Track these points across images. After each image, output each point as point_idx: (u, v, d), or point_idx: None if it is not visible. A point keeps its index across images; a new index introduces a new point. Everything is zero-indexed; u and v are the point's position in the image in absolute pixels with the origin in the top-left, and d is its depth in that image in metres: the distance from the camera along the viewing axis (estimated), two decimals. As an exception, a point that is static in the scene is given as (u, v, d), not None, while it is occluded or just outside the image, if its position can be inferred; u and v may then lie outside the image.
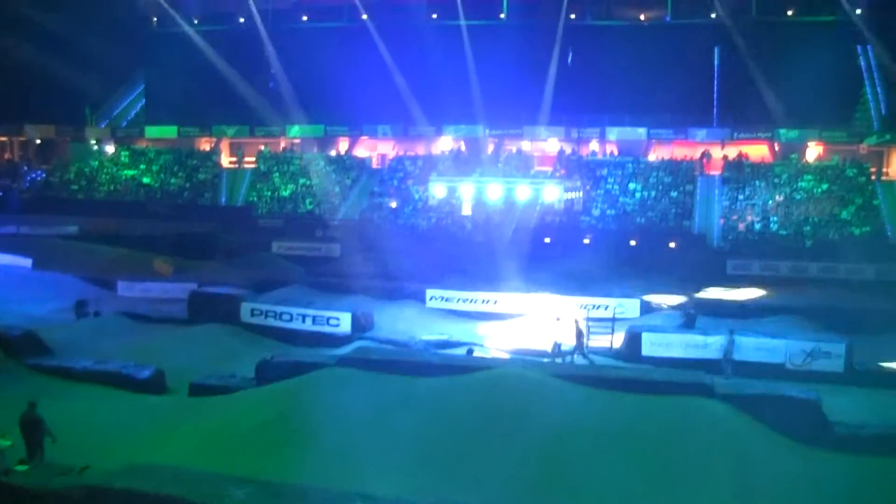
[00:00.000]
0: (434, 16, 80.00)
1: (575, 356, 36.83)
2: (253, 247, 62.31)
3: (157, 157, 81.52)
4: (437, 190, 58.02)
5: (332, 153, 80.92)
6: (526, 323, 43.59)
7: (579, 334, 37.30)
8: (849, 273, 54.97)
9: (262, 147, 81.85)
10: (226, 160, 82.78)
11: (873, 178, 69.05)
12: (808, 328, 40.86)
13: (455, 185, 58.20)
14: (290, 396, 26.96)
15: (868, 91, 73.25)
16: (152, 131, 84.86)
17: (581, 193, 59.54)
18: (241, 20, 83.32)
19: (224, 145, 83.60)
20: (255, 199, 75.47)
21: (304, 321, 41.70)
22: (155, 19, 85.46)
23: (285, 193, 75.28)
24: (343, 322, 41.25)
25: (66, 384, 29.55)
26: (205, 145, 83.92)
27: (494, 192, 56.12)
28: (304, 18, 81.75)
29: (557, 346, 37.25)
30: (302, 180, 76.28)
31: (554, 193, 55.84)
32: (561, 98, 75.65)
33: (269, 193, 75.60)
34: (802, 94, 67.28)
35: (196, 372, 31.62)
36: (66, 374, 30.96)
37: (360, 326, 41.55)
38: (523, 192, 56.05)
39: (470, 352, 36.81)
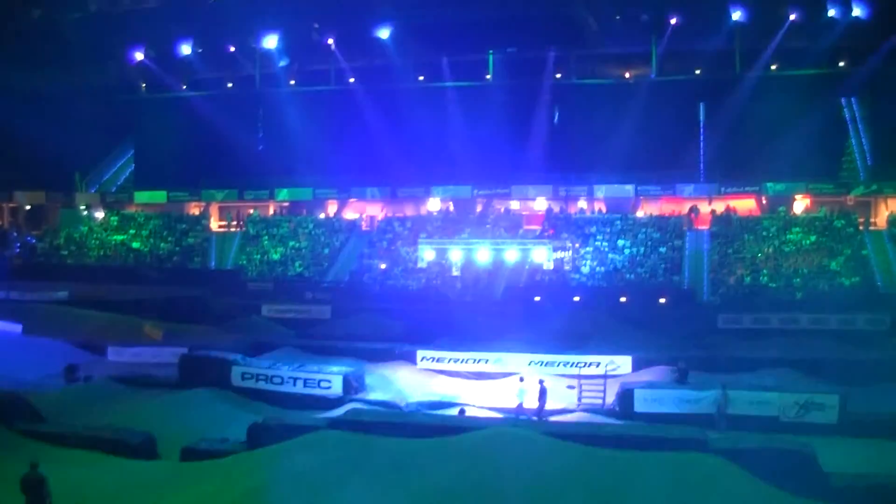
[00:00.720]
0: (420, 78, 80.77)
1: (538, 416, 37.04)
2: (243, 310, 62.00)
3: (147, 221, 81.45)
4: (427, 254, 58.15)
5: (322, 216, 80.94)
6: (517, 382, 43.41)
7: (542, 394, 37.50)
8: (840, 324, 54.81)
9: (252, 211, 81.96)
10: (215, 224, 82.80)
11: (861, 228, 69.38)
12: (801, 380, 40.82)
13: (444, 248, 58.29)
14: (283, 460, 26.73)
15: (853, 142, 73.95)
16: (142, 196, 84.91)
17: (570, 253, 59.70)
18: (230, 85, 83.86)
19: (213, 209, 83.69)
20: (245, 262, 75.40)
21: (295, 384, 41.40)
22: (144, 85, 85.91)
23: (275, 257, 75.25)
24: (334, 384, 40.99)
25: (57, 450, 29.20)
26: (194, 209, 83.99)
27: (483, 255, 56.24)
28: (292, 82, 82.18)
29: (520, 405, 37.59)
30: (291, 243, 76.28)
31: (542, 255, 55.93)
32: (548, 156, 76.06)
33: (259, 257, 75.56)
34: (788, 147, 68.04)
35: (188, 436, 31.36)
36: (57, 439, 30.63)
37: (352, 388, 41.26)
38: (511, 254, 56.20)
39: (462, 412, 36.69)
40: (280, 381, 41.59)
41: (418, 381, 44.29)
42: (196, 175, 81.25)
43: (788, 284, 63.94)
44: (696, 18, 72.55)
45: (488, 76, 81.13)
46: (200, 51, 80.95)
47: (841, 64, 73.84)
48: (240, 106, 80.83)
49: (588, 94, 76.92)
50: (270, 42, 78.79)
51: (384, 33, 76.32)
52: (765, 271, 65.49)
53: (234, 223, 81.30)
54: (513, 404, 38.53)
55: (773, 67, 75.25)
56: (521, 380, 39.62)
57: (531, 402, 37.83)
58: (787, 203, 73.68)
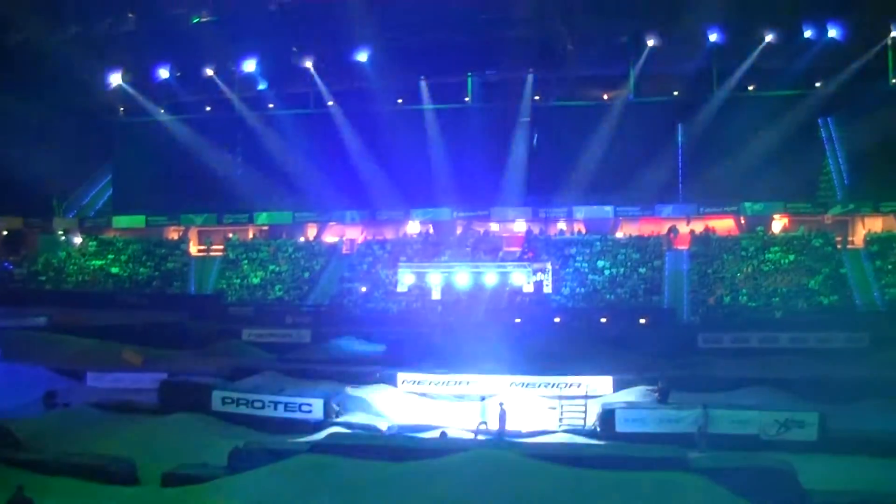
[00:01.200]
0: (399, 101, 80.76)
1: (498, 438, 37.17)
2: (223, 335, 61.81)
3: (126, 246, 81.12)
4: (406, 278, 58.12)
5: (301, 239, 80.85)
6: (499, 404, 43.37)
7: (502, 416, 37.82)
8: (819, 342, 55.01)
9: (231, 235, 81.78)
10: (194, 249, 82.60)
11: (839, 247, 69.83)
12: (781, 398, 40.92)
13: (423, 272, 58.29)
14: (264, 484, 26.69)
15: (830, 162, 74.36)
16: (120, 221, 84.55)
17: (549, 276, 59.81)
18: (208, 108, 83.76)
19: (192, 234, 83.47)
20: (225, 286, 75.20)
21: (276, 408, 41.25)
22: (122, 109, 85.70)
23: (255, 281, 75.09)
24: (315, 408, 40.86)
25: (37, 477, 29.04)
26: (173, 234, 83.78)
27: (462, 279, 56.32)
28: (271, 106, 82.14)
29: (482, 423, 38.04)
30: (271, 267, 76.14)
31: (522, 277, 56.00)
32: (528, 178, 76.34)
33: (239, 281, 75.39)
34: (766, 167, 68.44)
35: (168, 462, 31.21)
36: (37, 467, 30.41)
37: (333, 412, 41.17)
38: (491, 277, 56.27)
39: (443, 435, 36.66)
40: (261, 406, 41.43)
41: (399, 404, 44.18)
42: (175, 199, 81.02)
43: (767, 304, 64.25)
44: (674, 40, 72.85)
45: (467, 99, 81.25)
46: (179, 74, 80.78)
47: (817, 84, 74.23)
48: (219, 130, 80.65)
49: (567, 116, 77.14)
50: (249, 65, 78.76)
51: (363, 56, 76.41)
52: (744, 291, 65.76)
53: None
54: (485, 425, 38.61)
55: (751, 88, 75.68)
56: (483, 399, 39.84)
57: (492, 424, 37.92)
58: (765, 223, 74.07)
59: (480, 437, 36.96)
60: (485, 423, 38.03)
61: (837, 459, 32.56)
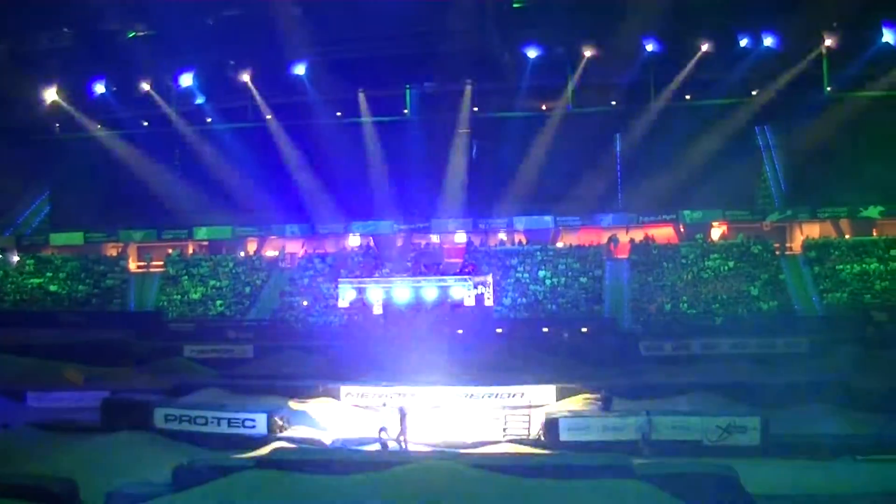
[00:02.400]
0: (338, 114, 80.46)
1: (400, 442, 37.62)
2: (165, 351, 61.26)
3: (64, 264, 79.95)
4: (347, 294, 57.99)
5: (242, 254, 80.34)
6: (443, 415, 43.30)
7: (402, 420, 38.02)
8: (759, 348, 55.74)
9: (171, 251, 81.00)
10: (134, 265, 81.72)
11: (777, 253, 70.73)
12: (723, 404, 41.20)
13: (364, 287, 58.19)
14: (209, 501, 26.40)
15: (768, 169, 75.27)
16: (58, 238, 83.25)
17: (490, 288, 59.90)
18: (146, 123, 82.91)
19: (132, 250, 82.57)
20: (165, 303, 74.49)
21: (219, 424, 40.88)
22: (58, 125, 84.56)
23: (195, 296, 74.45)
24: (259, 423, 40.56)
25: (-24, 501, 28.59)
26: (112, 251, 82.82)
27: (402, 293, 56.30)
28: (209, 120, 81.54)
29: (383, 429, 37.89)
30: (212, 282, 75.54)
31: (462, 291, 56.05)
32: (468, 190, 76.43)
33: (179, 297, 74.70)
34: (704, 175, 69.01)
35: (111, 481, 30.76)
36: (-24, 490, 29.99)
37: (277, 427, 40.91)
38: (431, 292, 56.27)
39: (384, 445, 36.62)
40: (204, 422, 41.05)
41: (343, 417, 43.98)
42: (113, 215, 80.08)
43: (708, 310, 64.81)
44: (611, 51, 73.19)
45: (406, 111, 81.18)
46: (115, 89, 79.87)
47: (754, 93, 74.95)
48: (156, 144, 79.78)
49: (506, 127, 77.17)
50: (186, 80, 78.15)
51: (300, 70, 76.10)
52: (684, 298, 66.27)
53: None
54: (386, 432, 38.53)
55: (688, 97, 76.18)
56: (384, 405, 39.97)
57: (394, 429, 38.05)
58: (704, 230, 74.73)
59: (390, 443, 37.04)
60: (385, 428, 37.89)
61: (780, 463, 32.84)
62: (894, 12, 67.27)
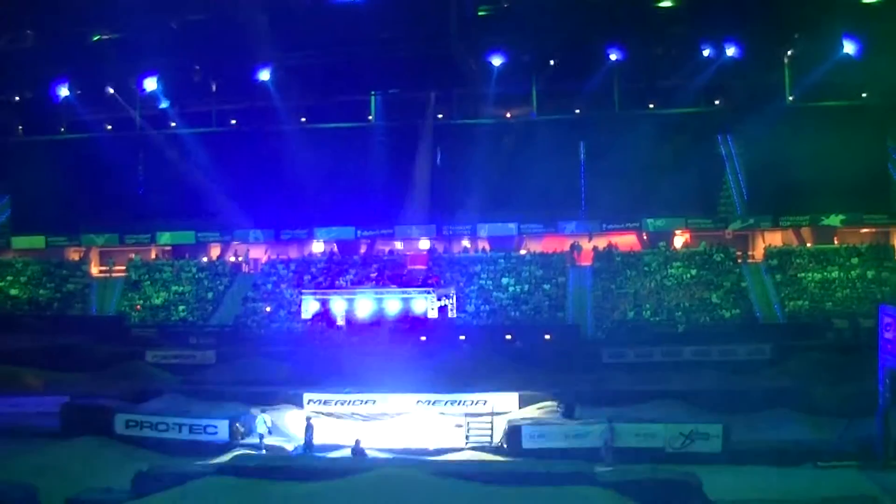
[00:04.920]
0: (303, 119, 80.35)
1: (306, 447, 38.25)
2: (126, 357, 60.62)
3: (25, 268, 79.29)
4: (310, 305, 57.92)
5: (205, 259, 79.97)
6: (406, 422, 43.25)
7: (308, 430, 38.63)
8: (721, 355, 55.80)
9: (133, 255, 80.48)
10: (96, 269, 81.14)
11: (739, 261, 71.27)
12: (685, 411, 41.36)
13: (327, 298, 58.14)
14: (169, 508, 26.28)
15: (730, 178, 75.60)
16: (19, 241, 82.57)
17: (454, 300, 60.01)
18: (109, 127, 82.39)
19: (94, 254, 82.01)
20: (127, 308, 74.01)
21: (180, 430, 40.73)
22: (20, 126, 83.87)
23: (158, 301, 74.03)
24: (220, 430, 40.43)
25: (-68, 508, 28.30)
26: (74, 255, 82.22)
27: (365, 306, 56.29)
28: (173, 124, 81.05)
29: (358, 441, 37.95)
30: (174, 287, 75.14)
31: (425, 304, 56.11)
32: (431, 196, 76.47)
33: (142, 302, 74.25)
34: (667, 184, 69.38)
35: (71, 488, 30.54)
36: (-68, 498, 29.67)
37: (238, 433, 40.77)
38: (393, 305, 56.28)
39: (360, 451, 36.57)
40: (165, 428, 40.88)
41: (305, 423, 43.82)
42: (76, 219, 79.51)
43: (670, 318, 65.15)
44: (575, 59, 73.46)
45: (370, 117, 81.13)
46: (79, 92, 79.33)
47: (716, 102, 75.51)
48: (120, 148, 79.02)
49: (470, 134, 77.11)
50: (151, 84, 77.67)
51: (265, 75, 75.85)
52: (647, 306, 66.58)
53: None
54: (407, 445, 38.61)
55: (651, 105, 76.58)
56: (269, 432, 40.57)
57: (249, 437, 39.16)
58: (667, 238, 75.23)
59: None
60: (359, 440, 37.98)
61: (741, 470, 33.07)
62: (854, 23, 67.84)
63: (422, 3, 69.81)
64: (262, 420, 41.26)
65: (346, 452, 37.48)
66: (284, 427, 42.99)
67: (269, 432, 41.29)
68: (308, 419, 39.59)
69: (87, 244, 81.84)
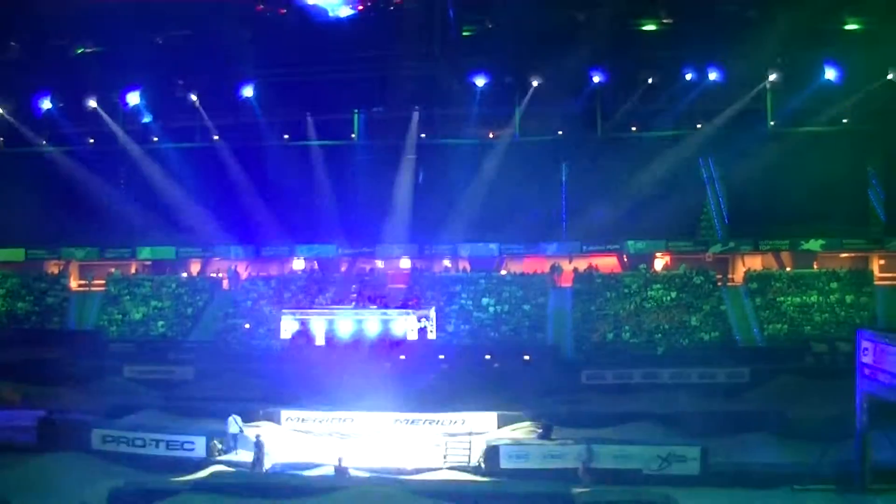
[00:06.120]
0: (286, 136, 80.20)
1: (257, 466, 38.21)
2: (104, 372, 60.48)
3: (4, 280, 78.68)
4: (289, 325, 57.85)
5: (185, 275, 79.68)
6: (383, 441, 43.22)
7: (258, 448, 38.75)
8: (700, 378, 56.19)
9: (113, 270, 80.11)
10: (75, 283, 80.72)
11: (719, 284, 71.42)
12: (664, 433, 41.46)
13: (306, 318, 58.11)
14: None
15: (711, 201, 75.88)
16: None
17: (433, 322, 60.05)
18: (92, 140, 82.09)
19: (73, 268, 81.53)
20: (106, 322, 73.61)
21: (157, 446, 40.71)
22: (1, 139, 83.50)
23: (137, 317, 73.68)
24: (198, 446, 40.39)
25: None
26: (53, 268, 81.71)
27: (345, 327, 56.30)
28: (155, 139, 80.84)
29: (340, 459, 37.95)
30: (154, 303, 74.79)
31: (405, 325, 56.11)
32: (413, 215, 76.37)
33: (120, 317, 73.89)
34: (649, 206, 69.63)
35: (47, 503, 30.46)
36: None
37: (216, 450, 40.67)
38: (373, 325, 56.28)
39: (342, 470, 36.54)
40: (142, 444, 40.85)
41: (283, 441, 43.76)
42: (56, 232, 78.91)
43: (650, 340, 65.16)
44: (559, 81, 73.61)
45: (353, 135, 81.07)
46: (62, 105, 79.05)
47: (698, 125, 75.70)
48: (102, 162, 78.74)
49: (452, 154, 77.16)
50: (134, 98, 77.46)
51: (249, 91, 75.76)
52: (627, 327, 66.55)
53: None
54: (384, 464, 38.52)
55: (633, 128, 76.80)
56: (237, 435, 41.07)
57: (246, 456, 38.67)
58: (647, 261, 75.23)
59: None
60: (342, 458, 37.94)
61: (719, 492, 33.20)
62: (835, 50, 68.42)
63: (406, 23, 69.96)
64: (234, 419, 41.31)
65: (324, 470, 37.40)
66: (263, 444, 42.88)
67: (241, 431, 41.29)
68: (258, 437, 39.50)
69: (67, 257, 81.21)
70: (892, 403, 33.77)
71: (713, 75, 71.50)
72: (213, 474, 34.10)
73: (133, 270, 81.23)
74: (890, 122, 71.12)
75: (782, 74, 71.67)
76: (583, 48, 68.62)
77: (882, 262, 73.49)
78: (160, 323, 72.41)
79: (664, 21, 72.12)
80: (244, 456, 40.53)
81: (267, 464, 39.73)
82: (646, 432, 42.01)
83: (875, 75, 69.77)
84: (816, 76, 70.12)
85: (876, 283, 70.62)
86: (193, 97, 77.64)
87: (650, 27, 72.01)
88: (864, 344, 35.19)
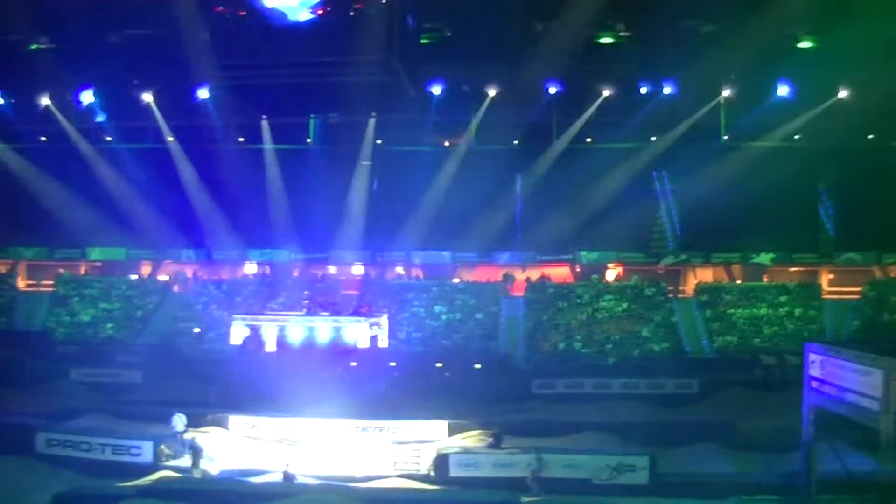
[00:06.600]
0: (241, 139, 79.86)
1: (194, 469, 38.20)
2: (51, 374, 59.78)
3: (-50, 280, 77.96)
4: (240, 331, 57.57)
5: (135, 277, 78.98)
6: (333, 448, 43.04)
7: (197, 450, 38.65)
8: (650, 388, 56.51)
9: (62, 270, 79.25)
10: (23, 283, 79.77)
11: (671, 296, 71.84)
12: (613, 443, 41.63)
13: (257, 325, 57.86)
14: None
15: (664, 214, 76.51)
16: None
17: (385, 330, 59.91)
18: (43, 139, 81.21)
19: (21, 268, 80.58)
20: (54, 324, 72.81)
21: (103, 451, 40.19)
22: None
23: (86, 319, 72.93)
24: (145, 451, 39.99)
25: None
26: (1, 268, 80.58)
27: (296, 333, 56.08)
28: (108, 139, 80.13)
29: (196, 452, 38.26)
30: (103, 305, 74.04)
31: (356, 333, 55.97)
32: (367, 222, 76.28)
33: (69, 318, 73.11)
34: (602, 218, 70.02)
35: (-11, 508, 30.09)
36: None
37: (163, 455, 40.33)
38: (324, 333, 56.15)
39: (291, 477, 36.33)
40: (88, 448, 40.33)
41: (232, 447, 43.45)
42: (4, 231, 77.90)
43: (601, 350, 65.46)
44: (515, 91, 73.80)
45: (309, 140, 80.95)
46: (13, 101, 78.23)
47: (653, 138, 76.23)
48: (53, 161, 77.87)
49: (408, 161, 77.30)
50: (87, 96, 76.75)
51: (204, 93, 75.35)
52: (578, 337, 66.80)
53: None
54: (333, 471, 38.37)
55: (588, 140, 77.16)
56: (182, 433, 41.04)
57: (185, 460, 38.73)
58: (600, 271, 75.65)
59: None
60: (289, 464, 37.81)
61: (667, 502, 33.36)
62: (789, 68, 69.25)
63: (365, 29, 69.82)
64: (179, 418, 41.10)
65: (273, 477, 37.21)
66: (210, 450, 42.57)
67: (186, 427, 41.07)
68: (193, 439, 39.26)
69: (15, 257, 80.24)
70: (838, 415, 34.11)
71: (668, 89, 72.21)
72: (159, 480, 33.83)
73: (83, 271, 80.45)
74: (840, 139, 72.24)
75: (736, 90, 72.44)
76: (540, 59, 68.90)
77: (831, 276, 74.61)
78: (109, 325, 71.69)
79: (622, 34, 72.46)
80: (189, 460, 40.26)
81: (214, 470, 39.49)
82: (596, 442, 42.19)
83: (827, 93, 70.76)
84: (770, 93, 71.08)
85: (824, 296, 71.62)
86: (148, 97, 77.05)
87: (608, 40, 72.35)
88: (812, 357, 35.47)
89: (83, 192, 77.23)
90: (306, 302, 66.79)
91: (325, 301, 65.14)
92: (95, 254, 79.69)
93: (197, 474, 38.19)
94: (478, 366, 61.61)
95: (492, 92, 74.56)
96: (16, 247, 79.64)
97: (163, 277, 79.24)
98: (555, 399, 55.53)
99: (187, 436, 41.57)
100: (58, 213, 76.03)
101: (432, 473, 38.83)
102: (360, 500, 27.80)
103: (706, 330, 68.11)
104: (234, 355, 61.40)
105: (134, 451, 40.04)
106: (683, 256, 75.38)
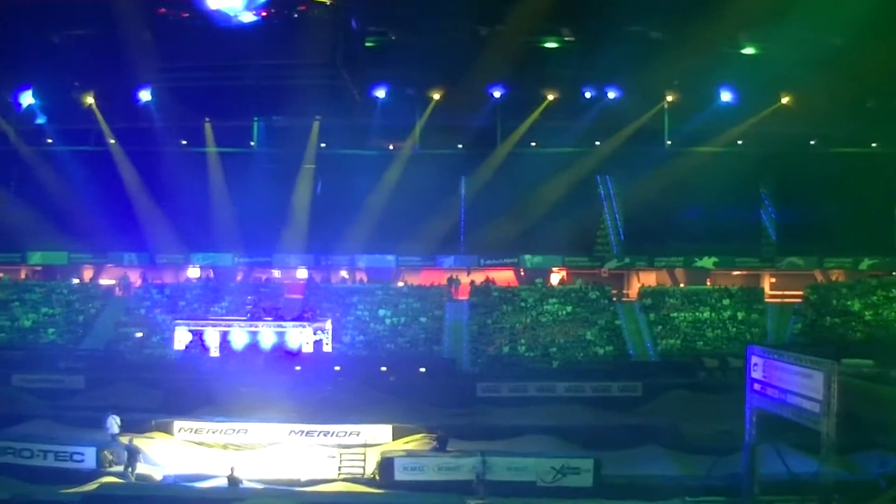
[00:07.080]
0: (184, 142, 79.29)
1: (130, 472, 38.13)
2: (-9, 380, 59.18)
3: None
4: (183, 336, 57.10)
5: (76, 281, 78.12)
6: (277, 452, 42.87)
7: (133, 453, 38.72)
8: (595, 391, 56.75)
9: (1, 275, 78.16)
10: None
11: (614, 299, 72.26)
12: (558, 446, 41.81)
13: (200, 329, 57.45)
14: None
15: (608, 218, 77.03)
16: None
17: (329, 334, 59.72)
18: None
19: (-40, 273, 79.51)
20: (-6, 331, 71.87)
21: (45, 457, 39.79)
22: None
23: (26, 324, 71.95)
24: (87, 457, 39.62)
25: None
26: (-62, 272, 79.64)
27: (239, 338, 55.78)
28: (49, 141, 79.20)
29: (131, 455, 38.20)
30: (44, 309, 73.10)
31: (300, 337, 55.73)
32: (310, 226, 76.01)
33: (9, 323, 72.12)
34: (546, 222, 70.34)
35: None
36: None
37: (106, 461, 39.94)
38: (268, 337, 55.87)
39: (235, 481, 36.13)
40: (29, 455, 39.89)
41: (176, 452, 43.15)
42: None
43: (545, 354, 65.56)
44: (460, 95, 73.92)
45: (252, 143, 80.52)
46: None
47: (597, 143, 76.66)
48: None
49: (352, 165, 77.15)
50: (27, 97, 75.77)
51: (146, 95, 74.71)
52: (522, 341, 66.89)
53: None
54: (278, 475, 38.22)
55: (533, 144, 77.40)
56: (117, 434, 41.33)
57: (119, 464, 38.61)
58: (544, 275, 75.95)
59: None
60: (234, 467, 37.63)
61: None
62: (732, 74, 69.95)
63: (309, 32, 69.52)
64: (114, 420, 40.80)
65: (217, 482, 36.98)
66: (154, 455, 42.28)
67: (120, 429, 40.76)
68: (130, 441, 38.98)
69: (-47, 261, 79.32)
70: (780, 417, 34.50)
71: (612, 94, 72.77)
72: (102, 486, 33.48)
73: (23, 276, 79.30)
74: (782, 144, 73.18)
75: (680, 95, 73.10)
76: (485, 63, 68.94)
77: (773, 280, 75.67)
78: (51, 330, 70.75)
79: (566, 39, 72.67)
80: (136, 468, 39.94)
81: (158, 475, 39.20)
82: (540, 445, 42.37)
83: (769, 99, 71.62)
84: (713, 98, 71.91)
85: (766, 300, 72.61)
86: (90, 99, 76.22)
87: (552, 45, 72.53)
88: (754, 359, 35.94)
89: (23, 195, 76.35)
90: (249, 307, 66.62)
91: (268, 307, 64.90)
92: (36, 258, 78.61)
93: (132, 477, 37.89)
94: (422, 370, 61.60)
95: (436, 96, 74.73)
96: (-47, 251, 78.38)
97: (105, 282, 78.39)
98: (499, 402, 55.64)
99: (123, 438, 41.22)
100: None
101: (377, 477, 38.84)
102: (305, 505, 27.70)
103: (650, 333, 68.52)
104: (177, 360, 61.23)
105: (76, 457, 39.68)
106: (627, 260, 75.91)
